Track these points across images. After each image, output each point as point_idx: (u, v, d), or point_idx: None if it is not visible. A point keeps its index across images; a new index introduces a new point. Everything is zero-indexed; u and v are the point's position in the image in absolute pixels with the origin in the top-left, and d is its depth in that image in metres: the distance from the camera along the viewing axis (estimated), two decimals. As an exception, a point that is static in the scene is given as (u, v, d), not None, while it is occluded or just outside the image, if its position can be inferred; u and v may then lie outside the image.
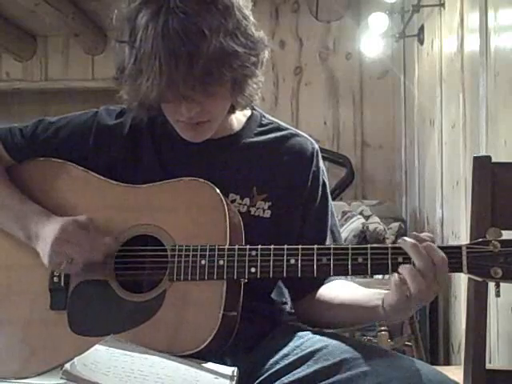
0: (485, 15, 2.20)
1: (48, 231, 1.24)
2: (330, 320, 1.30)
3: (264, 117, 1.40)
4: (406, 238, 1.11)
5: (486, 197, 1.40)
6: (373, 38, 4.07)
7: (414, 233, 1.14)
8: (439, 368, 1.18)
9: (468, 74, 2.54)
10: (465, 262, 1.09)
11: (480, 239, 1.11)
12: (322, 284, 1.31)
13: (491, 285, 1.12)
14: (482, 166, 1.42)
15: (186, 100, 1.19)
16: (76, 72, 5.21)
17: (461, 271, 1.10)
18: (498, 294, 1.10)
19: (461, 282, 2.72)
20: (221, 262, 1.17)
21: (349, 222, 3.98)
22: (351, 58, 4.79)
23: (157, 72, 1.14)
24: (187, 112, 1.21)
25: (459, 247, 1.10)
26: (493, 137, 2.13)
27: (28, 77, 5.29)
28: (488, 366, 1.42)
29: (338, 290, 1.29)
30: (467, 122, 2.55)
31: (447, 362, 3.17)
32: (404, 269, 1.09)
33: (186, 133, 1.28)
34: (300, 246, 1.16)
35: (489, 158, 1.43)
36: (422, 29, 3.63)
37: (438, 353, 3.37)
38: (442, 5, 3.02)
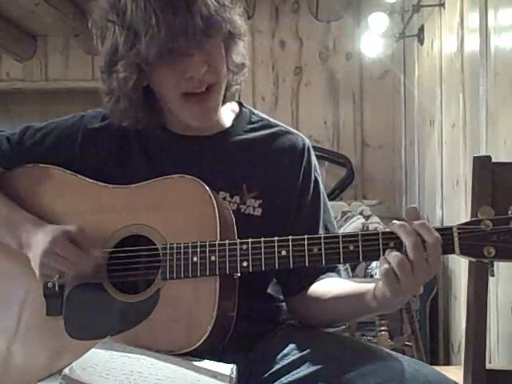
0: (485, 15, 2.20)
1: (38, 241, 1.23)
2: (322, 316, 1.28)
3: (253, 114, 1.40)
4: (394, 221, 1.10)
5: (486, 197, 1.39)
6: (373, 38, 4.07)
7: (414, 206, 1.13)
8: (439, 368, 1.18)
9: (468, 73, 2.54)
10: (457, 244, 1.07)
11: (472, 219, 1.09)
12: (315, 281, 1.30)
13: (491, 285, 1.12)
14: (482, 166, 1.42)
15: (191, 55, 1.18)
16: (76, 72, 5.20)
17: (453, 252, 1.08)
18: (492, 274, 1.09)
19: (461, 281, 2.72)
20: (212, 258, 1.17)
21: (349, 221, 3.98)
22: (351, 58, 4.80)
23: (154, 27, 1.14)
24: (196, 71, 1.19)
25: (450, 228, 1.08)
26: (493, 137, 2.14)
27: (28, 77, 5.29)
28: (488, 365, 1.42)
29: (330, 285, 1.28)
30: (467, 122, 2.55)
31: (447, 362, 3.18)
32: (389, 253, 1.07)
33: (195, 112, 1.25)
34: (290, 237, 1.15)
35: (489, 158, 1.43)
36: (421, 29, 3.63)
37: (438, 353, 3.37)
38: (442, 5, 3.02)
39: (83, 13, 4.67)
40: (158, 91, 1.26)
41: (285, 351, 1.18)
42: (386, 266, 1.06)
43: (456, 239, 1.08)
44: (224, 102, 1.32)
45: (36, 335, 1.26)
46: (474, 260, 1.09)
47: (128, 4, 1.18)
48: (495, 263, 1.09)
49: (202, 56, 1.19)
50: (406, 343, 2.82)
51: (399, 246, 1.08)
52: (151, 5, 1.15)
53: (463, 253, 1.08)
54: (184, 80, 1.21)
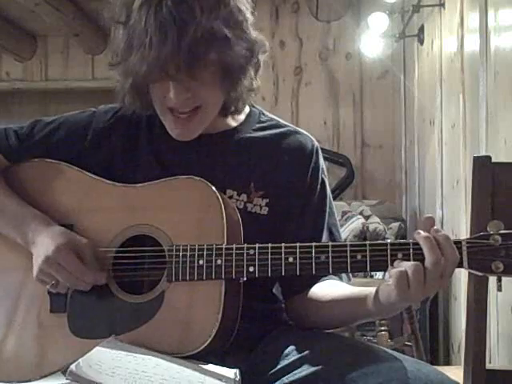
0: (485, 15, 2.20)
1: (43, 242, 1.23)
2: (319, 319, 1.27)
3: (263, 114, 1.39)
4: (419, 230, 1.09)
5: (486, 197, 1.39)
6: (373, 38, 4.08)
7: (429, 215, 1.12)
8: (439, 368, 1.17)
9: (468, 73, 2.54)
10: (465, 258, 1.07)
11: (481, 233, 1.09)
12: (314, 283, 1.29)
13: (491, 285, 1.12)
14: (482, 166, 1.42)
15: (173, 81, 1.18)
16: (76, 72, 5.21)
17: (461, 267, 1.08)
18: (499, 289, 1.08)
19: (461, 282, 2.72)
20: (219, 262, 1.16)
21: (349, 221, 3.99)
22: (351, 58, 4.80)
23: (146, 46, 1.14)
24: (175, 96, 1.19)
25: (459, 242, 1.08)
26: (493, 137, 2.14)
27: (28, 77, 5.30)
28: (488, 365, 1.42)
29: (330, 288, 1.27)
30: (467, 122, 2.55)
31: (447, 362, 3.18)
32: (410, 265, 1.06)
33: (174, 128, 1.26)
34: (298, 244, 1.15)
35: (489, 158, 1.43)
36: (421, 29, 3.63)
37: (438, 353, 3.37)
38: (442, 5, 3.02)
39: (83, 13, 4.68)
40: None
41: (286, 351, 1.18)
42: (401, 269, 1.06)
43: (465, 253, 1.07)
44: (228, 115, 1.32)
45: (39, 331, 1.25)
46: (481, 275, 1.08)
47: (135, 10, 1.18)
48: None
49: (186, 83, 1.18)
50: (406, 343, 2.82)
51: (408, 258, 1.08)
52: (149, 22, 1.14)
53: (471, 267, 1.07)
54: (165, 101, 1.22)
